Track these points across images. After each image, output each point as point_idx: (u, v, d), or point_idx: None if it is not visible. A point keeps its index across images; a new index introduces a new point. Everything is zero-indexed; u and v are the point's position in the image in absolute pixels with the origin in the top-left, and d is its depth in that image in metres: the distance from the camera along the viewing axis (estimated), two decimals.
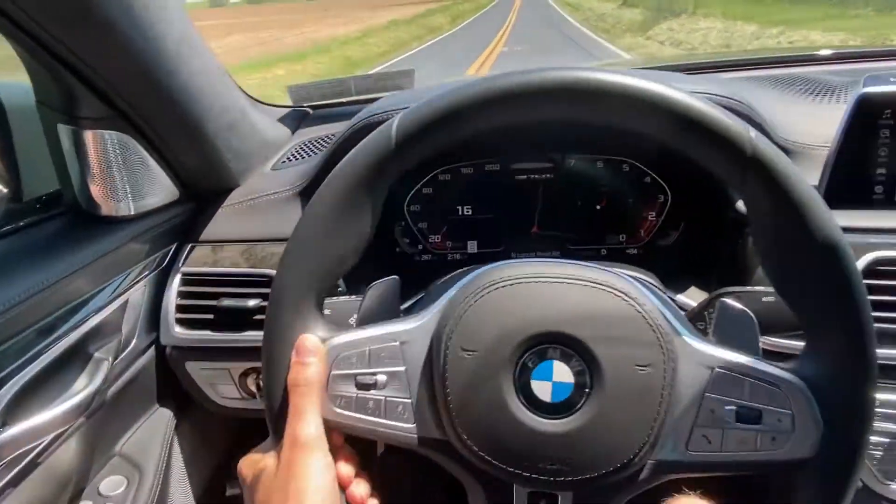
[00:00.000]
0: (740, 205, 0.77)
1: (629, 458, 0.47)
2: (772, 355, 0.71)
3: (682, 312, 0.69)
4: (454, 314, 0.50)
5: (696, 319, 0.65)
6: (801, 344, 0.50)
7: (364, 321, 0.57)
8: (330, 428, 0.52)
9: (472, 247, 0.94)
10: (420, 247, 0.94)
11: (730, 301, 0.56)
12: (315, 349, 0.51)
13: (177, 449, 0.92)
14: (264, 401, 0.53)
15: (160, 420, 0.90)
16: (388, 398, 0.51)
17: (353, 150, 0.51)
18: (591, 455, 0.47)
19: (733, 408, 0.48)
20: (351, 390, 0.52)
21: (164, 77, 0.72)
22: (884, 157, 0.74)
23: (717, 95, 0.77)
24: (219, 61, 0.86)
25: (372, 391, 0.51)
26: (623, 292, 0.49)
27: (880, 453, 0.69)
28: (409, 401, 0.51)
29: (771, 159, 0.45)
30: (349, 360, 0.52)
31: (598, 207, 0.90)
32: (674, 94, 0.46)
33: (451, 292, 0.53)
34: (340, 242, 0.52)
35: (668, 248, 0.90)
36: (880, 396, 0.68)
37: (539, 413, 0.48)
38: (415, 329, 0.53)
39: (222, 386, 0.88)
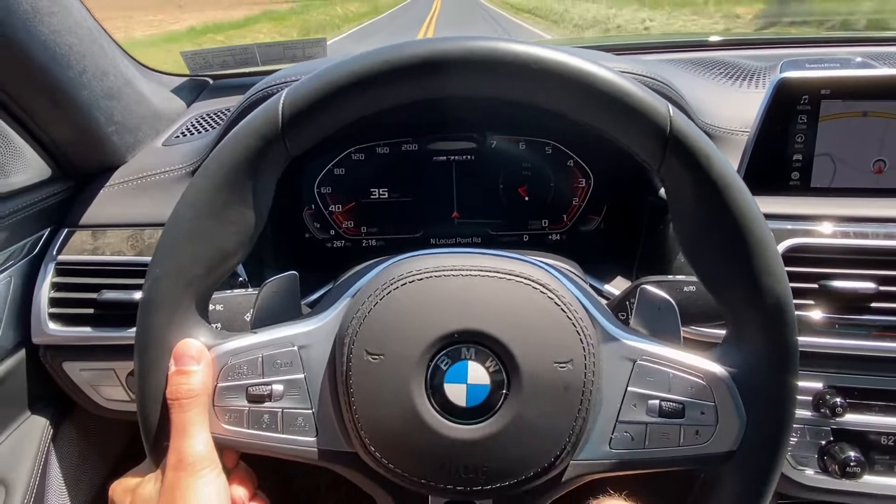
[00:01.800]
0: (662, 192, 0.76)
1: (550, 462, 0.44)
2: (692, 344, 0.69)
3: (605, 302, 0.67)
4: (357, 314, 0.45)
5: (618, 309, 0.62)
6: (722, 332, 0.49)
7: (259, 323, 0.52)
8: (221, 446, 0.46)
9: (389, 232, 0.88)
10: (332, 232, 0.88)
11: (651, 288, 0.54)
12: (198, 355, 0.45)
13: (55, 460, 0.82)
14: (138, 417, 0.46)
15: (33, 428, 0.79)
16: (285, 410, 0.46)
17: (234, 129, 0.45)
18: (509, 461, 0.44)
19: (656, 402, 0.46)
20: (241, 403, 0.46)
21: (19, 34, 0.62)
22: (800, 143, 0.73)
23: (638, 74, 0.74)
24: (96, 21, 0.75)
25: (266, 403, 0.46)
26: (541, 284, 0.46)
27: (794, 439, 0.69)
28: (310, 411, 0.47)
29: (691, 137, 0.43)
30: (238, 370, 0.47)
31: (520, 191, 0.86)
32: (591, 68, 0.42)
33: (355, 289, 0.48)
34: (222, 235, 0.46)
35: (590, 233, 0.88)
36: None
37: (453, 419, 0.44)
38: (315, 331, 0.47)
39: (106, 388, 0.79)
